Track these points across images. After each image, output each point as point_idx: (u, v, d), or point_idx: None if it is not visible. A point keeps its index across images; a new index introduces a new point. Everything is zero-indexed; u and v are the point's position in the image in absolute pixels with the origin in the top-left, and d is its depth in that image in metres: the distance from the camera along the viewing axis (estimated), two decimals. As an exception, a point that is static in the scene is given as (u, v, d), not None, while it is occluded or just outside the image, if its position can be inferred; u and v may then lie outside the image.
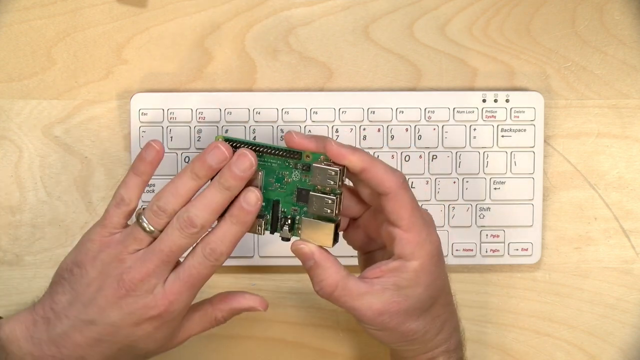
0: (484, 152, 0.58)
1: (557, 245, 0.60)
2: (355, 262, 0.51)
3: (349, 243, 0.50)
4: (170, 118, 0.57)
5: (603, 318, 0.60)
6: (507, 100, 0.58)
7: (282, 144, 0.46)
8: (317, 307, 0.60)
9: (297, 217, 0.46)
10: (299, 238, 0.46)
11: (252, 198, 0.44)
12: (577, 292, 0.60)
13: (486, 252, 0.58)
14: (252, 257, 0.58)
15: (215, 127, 0.57)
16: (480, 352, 0.60)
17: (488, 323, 0.60)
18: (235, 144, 0.45)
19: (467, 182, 0.58)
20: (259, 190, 0.45)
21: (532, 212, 0.58)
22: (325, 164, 0.44)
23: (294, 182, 0.46)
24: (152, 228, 0.44)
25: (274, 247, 0.58)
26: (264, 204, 0.46)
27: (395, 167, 0.57)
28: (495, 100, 0.58)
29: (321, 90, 0.59)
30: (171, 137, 0.57)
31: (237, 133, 0.57)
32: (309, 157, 0.45)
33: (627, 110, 0.59)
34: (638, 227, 0.60)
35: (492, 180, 0.58)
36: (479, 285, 0.59)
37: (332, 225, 0.45)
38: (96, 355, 0.45)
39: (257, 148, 0.45)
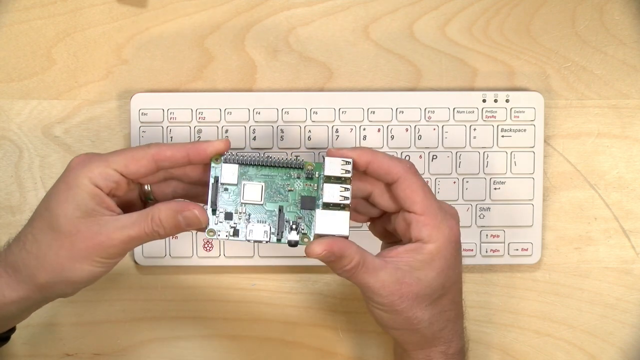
0: (484, 152, 0.58)
1: (557, 245, 0.60)
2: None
3: (374, 234, 0.50)
4: (170, 118, 0.57)
5: (603, 318, 0.60)
6: (507, 100, 0.58)
7: (281, 156, 0.46)
8: (317, 307, 0.60)
9: (303, 224, 0.45)
10: (305, 245, 0.45)
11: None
12: (577, 292, 0.60)
13: (486, 252, 0.58)
14: (252, 257, 0.58)
15: (216, 127, 0.57)
16: (480, 352, 0.60)
17: (488, 323, 0.60)
18: (233, 160, 0.45)
19: (467, 182, 0.58)
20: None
21: (532, 212, 0.58)
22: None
23: (296, 191, 0.46)
24: None
25: (273, 247, 0.58)
26: (265, 215, 0.45)
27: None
28: (495, 101, 0.58)
29: (321, 90, 0.59)
30: (171, 137, 0.57)
31: (237, 133, 0.57)
32: (311, 166, 0.45)
33: (627, 110, 0.59)
34: (638, 227, 0.60)
35: (492, 180, 0.58)
36: (479, 285, 0.59)
37: (347, 214, 0.45)
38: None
39: (256, 162, 0.45)
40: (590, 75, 0.59)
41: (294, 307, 0.60)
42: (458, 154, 0.58)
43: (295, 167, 0.46)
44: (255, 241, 0.45)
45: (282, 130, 0.57)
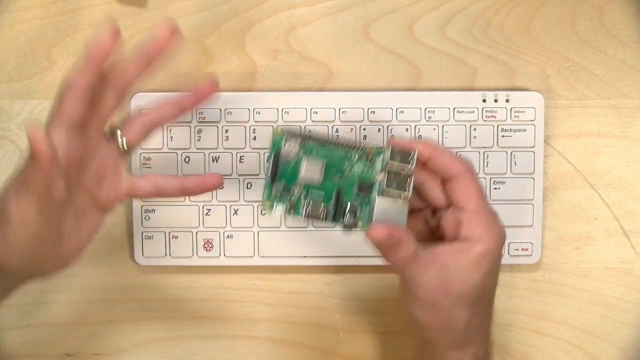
0: (484, 152, 0.58)
1: (557, 245, 0.60)
2: (372, 262, 0.51)
3: (409, 227, 0.50)
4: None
5: (603, 318, 0.60)
6: (507, 100, 0.58)
7: (344, 136, 0.46)
8: (317, 307, 0.60)
9: (359, 209, 0.45)
10: (361, 228, 0.45)
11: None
12: (577, 292, 0.60)
13: (486, 252, 0.58)
14: (252, 257, 0.58)
15: (216, 127, 0.57)
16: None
17: (488, 323, 0.60)
18: (296, 134, 0.45)
19: (467, 182, 0.58)
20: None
21: (532, 212, 0.58)
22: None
23: (355, 174, 0.46)
24: None
25: (273, 247, 0.58)
26: (323, 193, 0.45)
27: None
28: (496, 100, 0.58)
29: (321, 90, 0.59)
30: (171, 137, 0.57)
31: (237, 133, 0.57)
32: (372, 151, 0.45)
33: (627, 110, 0.59)
34: (638, 227, 0.60)
35: (492, 180, 0.58)
36: (479, 285, 0.59)
37: (406, 204, 0.45)
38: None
39: (319, 140, 0.45)
40: (590, 75, 0.59)
41: (294, 307, 0.60)
42: (458, 154, 0.58)
43: (357, 149, 0.45)
44: (312, 217, 0.45)
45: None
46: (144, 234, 0.58)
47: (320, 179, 0.45)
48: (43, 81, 0.59)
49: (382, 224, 0.44)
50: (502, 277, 0.59)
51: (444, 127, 0.58)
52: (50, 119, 0.45)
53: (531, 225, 0.58)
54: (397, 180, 0.45)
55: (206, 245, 0.58)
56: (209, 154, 0.57)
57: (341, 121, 0.58)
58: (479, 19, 0.59)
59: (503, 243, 0.46)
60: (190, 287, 0.59)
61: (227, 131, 0.57)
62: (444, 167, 0.45)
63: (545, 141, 0.59)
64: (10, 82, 0.59)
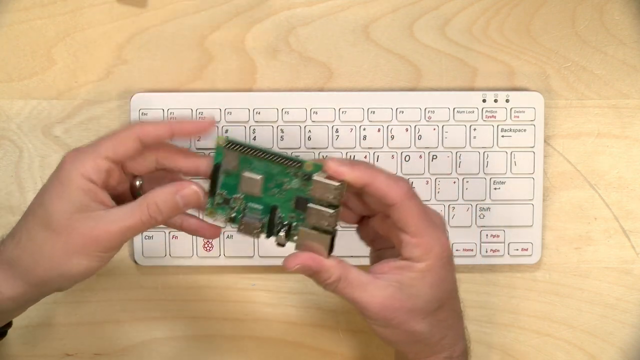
0: (484, 152, 0.58)
1: (557, 245, 0.60)
2: (362, 262, 0.51)
3: (361, 238, 0.50)
4: (171, 118, 0.57)
5: (603, 318, 0.60)
6: (507, 100, 0.58)
7: (284, 151, 0.46)
8: (317, 307, 0.60)
9: (294, 224, 0.46)
10: (294, 244, 0.46)
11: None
12: (577, 292, 0.60)
13: (486, 252, 0.58)
14: (252, 257, 0.58)
15: (215, 127, 0.57)
16: (480, 352, 0.60)
17: (488, 323, 0.60)
18: (236, 147, 0.45)
19: (467, 182, 0.58)
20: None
21: (532, 212, 0.58)
22: (326, 177, 0.44)
23: (292, 190, 0.45)
24: None
25: (274, 247, 0.58)
26: (261, 207, 0.46)
27: (396, 168, 0.57)
28: (495, 100, 0.58)
29: (321, 90, 0.59)
30: (171, 137, 0.57)
31: (237, 133, 0.57)
32: (310, 167, 0.45)
33: (627, 110, 0.59)
34: (638, 227, 0.60)
35: (492, 180, 0.58)
36: (479, 285, 0.59)
37: (328, 237, 0.45)
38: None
39: (259, 153, 0.45)
40: (590, 75, 0.59)
41: (294, 307, 0.60)
42: (458, 154, 0.58)
43: (295, 165, 0.45)
44: (245, 235, 0.46)
45: (282, 130, 0.57)
46: (144, 234, 0.58)
47: (260, 193, 0.45)
48: (43, 81, 0.59)
49: (297, 255, 0.44)
50: (502, 277, 0.60)
51: (444, 127, 0.58)
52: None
53: (531, 225, 0.58)
54: (321, 218, 0.45)
55: (206, 245, 0.58)
56: (209, 154, 0.57)
57: (341, 121, 0.58)
58: (479, 19, 0.59)
59: (448, 255, 0.45)
60: (190, 287, 0.59)
61: (227, 131, 0.57)
62: (380, 195, 0.44)
63: (545, 141, 0.59)
64: (10, 82, 0.59)
